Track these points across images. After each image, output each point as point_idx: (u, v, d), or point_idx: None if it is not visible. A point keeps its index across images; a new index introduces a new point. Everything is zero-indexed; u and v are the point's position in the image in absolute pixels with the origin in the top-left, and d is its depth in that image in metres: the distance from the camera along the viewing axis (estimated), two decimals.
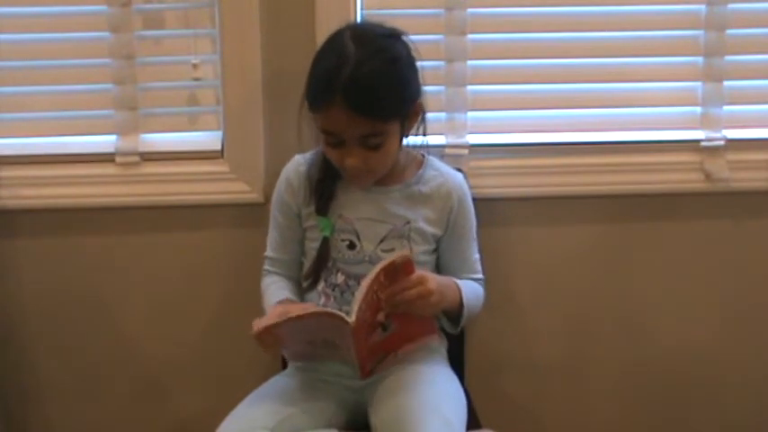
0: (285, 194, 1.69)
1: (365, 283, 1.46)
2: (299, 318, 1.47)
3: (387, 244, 1.64)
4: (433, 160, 1.72)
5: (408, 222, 1.65)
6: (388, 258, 1.49)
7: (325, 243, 1.65)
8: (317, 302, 1.65)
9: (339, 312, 1.45)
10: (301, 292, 1.70)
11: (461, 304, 1.62)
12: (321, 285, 1.66)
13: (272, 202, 1.73)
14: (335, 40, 1.58)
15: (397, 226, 1.65)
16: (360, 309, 1.43)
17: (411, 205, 1.66)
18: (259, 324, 1.49)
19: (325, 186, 1.65)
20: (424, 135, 1.68)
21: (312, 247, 1.67)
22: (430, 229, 1.67)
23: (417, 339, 1.61)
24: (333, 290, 1.65)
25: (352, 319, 1.43)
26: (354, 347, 1.48)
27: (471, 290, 1.67)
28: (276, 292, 1.67)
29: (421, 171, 1.69)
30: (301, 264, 1.71)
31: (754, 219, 1.98)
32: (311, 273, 1.66)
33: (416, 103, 1.62)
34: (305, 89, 1.59)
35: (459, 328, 1.67)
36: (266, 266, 1.73)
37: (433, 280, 1.53)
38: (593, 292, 2.00)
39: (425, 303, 1.51)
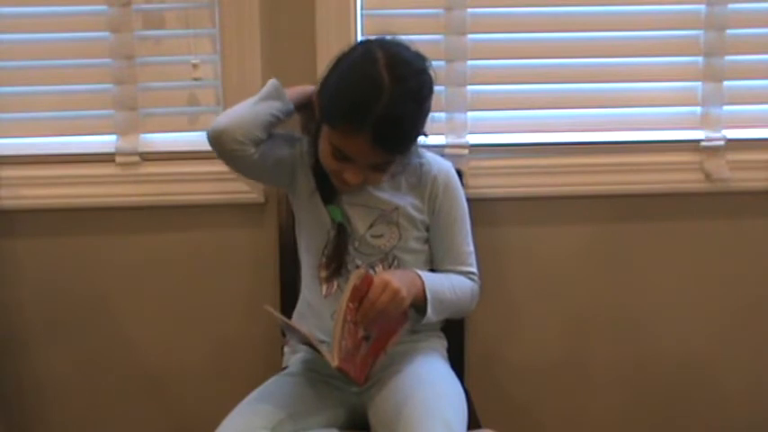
0: (294, 139, 1.69)
1: (338, 321, 1.46)
2: (295, 329, 1.50)
3: (376, 229, 1.65)
4: (419, 150, 1.71)
5: (397, 208, 1.66)
6: (348, 286, 1.48)
7: (342, 230, 1.64)
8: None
9: (326, 353, 1.47)
10: (308, 286, 1.70)
11: (424, 292, 1.59)
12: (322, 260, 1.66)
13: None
14: (368, 62, 1.53)
15: (385, 211, 1.65)
16: (340, 346, 1.45)
17: (398, 193, 1.67)
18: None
19: (324, 174, 1.64)
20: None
21: (311, 236, 1.67)
22: (418, 216, 1.67)
23: (398, 331, 1.61)
24: (339, 276, 1.65)
25: (335, 363, 1.45)
26: (346, 373, 1.49)
27: (445, 282, 1.65)
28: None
29: (406, 160, 1.68)
30: (264, 162, 1.65)
31: (754, 219, 1.98)
32: (333, 259, 1.65)
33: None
34: (326, 102, 1.56)
35: (429, 317, 1.61)
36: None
37: (394, 276, 1.53)
38: (593, 292, 2.00)
39: (398, 302, 1.51)
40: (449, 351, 1.76)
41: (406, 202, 1.67)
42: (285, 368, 1.72)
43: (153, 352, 1.99)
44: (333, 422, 1.61)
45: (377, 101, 1.49)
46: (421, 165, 1.69)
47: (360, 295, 1.49)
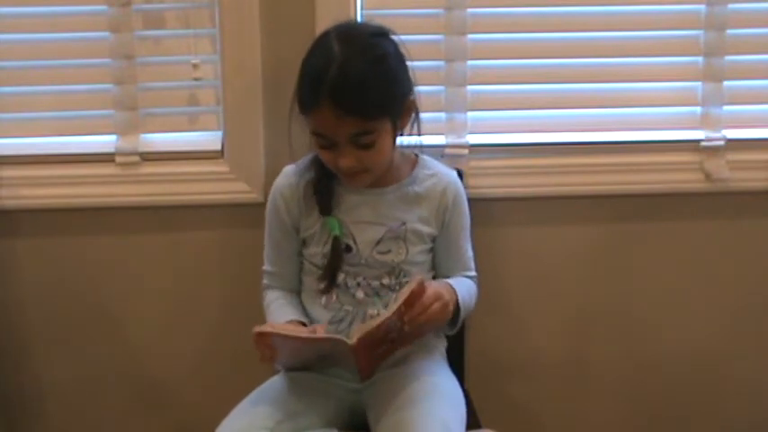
0: (279, 210, 1.68)
1: (385, 315, 1.46)
2: (304, 340, 1.49)
3: (383, 246, 1.64)
4: (427, 159, 1.72)
5: (404, 224, 1.65)
6: (406, 289, 1.47)
7: (337, 242, 1.64)
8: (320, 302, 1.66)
9: (339, 337, 1.47)
10: (307, 299, 1.69)
11: (458, 306, 1.61)
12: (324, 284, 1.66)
13: (267, 216, 1.71)
14: (321, 41, 1.57)
15: (392, 227, 1.64)
16: (369, 332, 1.44)
17: (406, 206, 1.66)
18: (263, 327, 1.50)
19: (323, 186, 1.65)
20: (419, 134, 1.67)
21: (312, 253, 1.66)
22: (425, 229, 1.67)
23: (417, 339, 1.61)
24: (337, 287, 1.64)
25: (353, 341, 1.44)
26: (355, 361, 1.49)
27: (466, 289, 1.66)
28: (278, 311, 1.66)
29: (415, 171, 1.68)
30: (299, 277, 1.71)
31: (754, 219, 1.98)
32: (326, 275, 1.64)
33: (408, 101, 1.61)
34: (294, 92, 1.58)
35: (454, 331, 1.67)
36: (265, 281, 1.73)
37: (444, 291, 1.53)
38: (593, 292, 2.00)
39: (445, 315, 1.53)
40: (448, 351, 1.76)
41: (414, 215, 1.66)
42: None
43: (153, 351, 1.99)
44: (333, 422, 1.60)
45: (328, 67, 1.49)
46: (428, 176, 1.68)
47: (412, 300, 1.48)
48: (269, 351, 1.51)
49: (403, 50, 1.60)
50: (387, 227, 1.64)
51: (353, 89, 1.50)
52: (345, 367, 1.56)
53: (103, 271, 1.96)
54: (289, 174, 1.70)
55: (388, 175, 1.65)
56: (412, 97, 1.62)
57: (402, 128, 1.62)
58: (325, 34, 1.58)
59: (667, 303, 2.01)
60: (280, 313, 1.66)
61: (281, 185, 1.70)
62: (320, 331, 1.52)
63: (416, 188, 1.67)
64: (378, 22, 1.62)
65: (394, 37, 1.60)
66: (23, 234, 1.94)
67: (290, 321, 1.62)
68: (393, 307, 1.46)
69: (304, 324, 1.62)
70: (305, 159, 1.70)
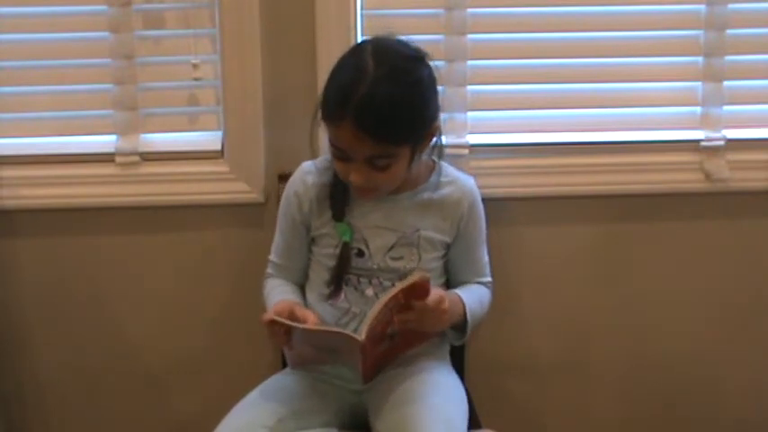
0: (292, 206, 1.67)
1: (382, 301, 1.45)
2: (310, 331, 1.48)
3: (395, 252, 1.63)
4: (445, 166, 1.70)
5: (418, 230, 1.64)
6: (408, 280, 1.47)
7: (346, 248, 1.63)
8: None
9: (350, 333, 1.46)
10: (314, 297, 1.68)
11: (465, 319, 1.61)
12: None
13: (280, 208, 1.71)
14: (356, 53, 1.55)
15: (406, 233, 1.63)
16: (371, 326, 1.44)
17: (421, 212, 1.65)
18: (270, 315, 1.49)
19: (338, 191, 1.64)
20: (440, 156, 1.67)
21: (322, 253, 1.66)
22: (439, 237, 1.66)
23: (419, 344, 1.61)
24: (346, 284, 1.64)
25: (362, 337, 1.43)
26: (361, 360, 1.48)
27: (477, 300, 1.66)
28: (280, 295, 1.65)
29: (432, 178, 1.67)
30: (305, 272, 1.70)
31: (754, 219, 1.98)
32: (334, 279, 1.64)
33: (432, 127, 1.59)
34: (320, 97, 1.56)
35: (463, 341, 1.67)
36: (269, 270, 1.72)
37: (447, 300, 1.52)
38: (593, 292, 2.00)
39: (438, 322, 1.52)
40: (450, 353, 1.75)
41: (428, 222, 1.65)
42: (285, 367, 1.72)
43: (153, 351, 1.99)
44: (333, 422, 1.60)
45: (359, 84, 1.48)
46: (445, 184, 1.67)
47: (411, 294, 1.48)
48: (283, 337, 1.50)
49: (436, 75, 1.58)
50: (400, 233, 1.63)
51: (378, 112, 1.48)
52: (350, 365, 1.55)
53: (103, 271, 1.96)
54: (305, 171, 1.69)
55: (404, 181, 1.62)
56: (436, 123, 1.60)
57: (420, 152, 1.60)
58: (362, 46, 1.57)
59: (667, 303, 2.01)
60: (281, 298, 1.63)
61: (296, 182, 1.68)
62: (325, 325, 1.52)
63: (432, 195, 1.66)
64: (416, 44, 1.59)
65: (429, 61, 1.58)
66: (23, 234, 1.94)
67: (289, 300, 1.61)
68: (390, 294, 1.45)
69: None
70: (324, 159, 1.68)
